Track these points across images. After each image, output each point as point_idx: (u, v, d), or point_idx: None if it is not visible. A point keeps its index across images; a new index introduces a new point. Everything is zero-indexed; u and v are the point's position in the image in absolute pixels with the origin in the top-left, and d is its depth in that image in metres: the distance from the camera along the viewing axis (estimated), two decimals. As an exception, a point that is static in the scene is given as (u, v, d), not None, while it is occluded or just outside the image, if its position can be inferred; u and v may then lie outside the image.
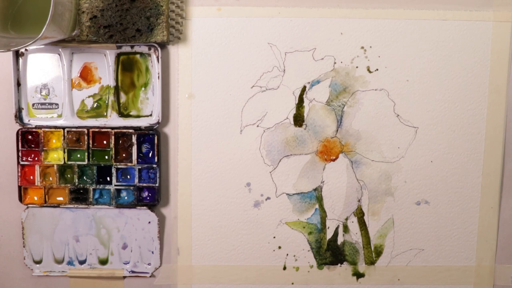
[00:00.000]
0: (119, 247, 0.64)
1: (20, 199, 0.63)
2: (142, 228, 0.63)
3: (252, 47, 0.61)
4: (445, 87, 0.63)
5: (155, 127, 0.62)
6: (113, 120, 0.62)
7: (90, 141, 0.62)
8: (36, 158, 0.62)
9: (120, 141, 0.62)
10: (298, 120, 0.63)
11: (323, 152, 0.63)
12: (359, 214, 0.64)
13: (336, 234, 0.65)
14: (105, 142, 0.62)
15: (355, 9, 0.61)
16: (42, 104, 0.62)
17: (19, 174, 0.62)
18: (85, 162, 0.62)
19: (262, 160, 0.63)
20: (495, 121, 0.63)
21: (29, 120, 0.62)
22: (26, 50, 0.61)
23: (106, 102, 0.62)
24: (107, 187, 0.63)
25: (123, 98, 0.62)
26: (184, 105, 0.62)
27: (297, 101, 0.62)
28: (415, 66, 0.62)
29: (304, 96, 0.62)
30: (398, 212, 0.64)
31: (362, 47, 0.62)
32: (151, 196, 0.63)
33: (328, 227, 0.65)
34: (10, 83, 0.61)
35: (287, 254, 0.65)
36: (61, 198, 0.63)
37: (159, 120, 0.61)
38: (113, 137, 0.62)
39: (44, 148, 0.62)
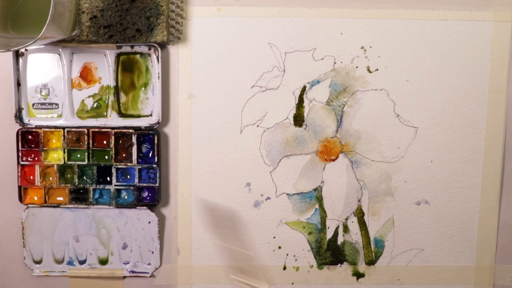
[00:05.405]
0: (119, 247, 0.64)
1: (20, 199, 0.63)
2: (142, 228, 0.63)
3: (252, 47, 0.61)
4: (445, 87, 0.63)
5: (155, 127, 0.62)
6: (113, 120, 0.62)
7: (90, 141, 0.62)
8: (36, 158, 0.62)
9: (120, 141, 0.62)
10: (298, 120, 0.63)
11: (323, 152, 0.63)
12: (359, 214, 0.64)
13: (336, 234, 0.65)
14: (105, 142, 0.62)
15: (355, 9, 0.61)
16: (42, 104, 0.62)
17: (19, 174, 0.62)
18: (85, 162, 0.62)
19: (262, 160, 0.63)
20: (495, 121, 0.63)
21: (29, 120, 0.62)
22: (26, 50, 0.61)
23: (106, 102, 0.62)
24: (107, 187, 0.63)
25: (123, 98, 0.62)
26: (184, 105, 0.62)
27: (297, 101, 0.62)
28: (415, 66, 0.62)
29: (304, 96, 0.62)
30: (398, 212, 0.64)
31: (362, 47, 0.62)
32: (151, 196, 0.63)
33: (328, 227, 0.65)
34: (10, 83, 0.61)
35: (287, 254, 0.65)
36: (61, 198, 0.63)
37: (159, 120, 0.61)
38: (113, 137, 0.62)
39: (44, 148, 0.62)
